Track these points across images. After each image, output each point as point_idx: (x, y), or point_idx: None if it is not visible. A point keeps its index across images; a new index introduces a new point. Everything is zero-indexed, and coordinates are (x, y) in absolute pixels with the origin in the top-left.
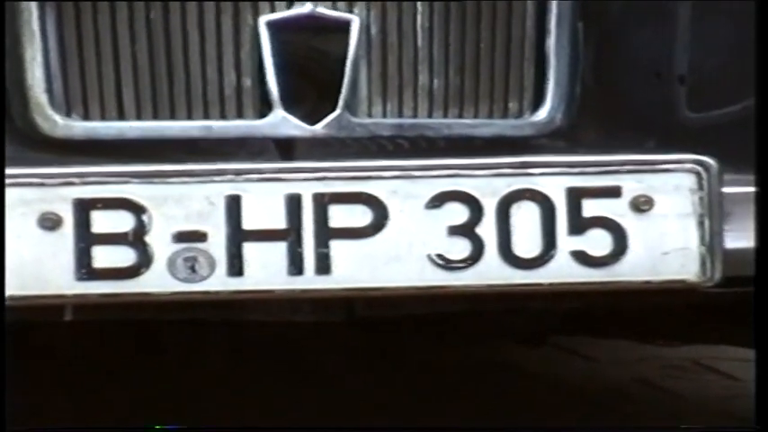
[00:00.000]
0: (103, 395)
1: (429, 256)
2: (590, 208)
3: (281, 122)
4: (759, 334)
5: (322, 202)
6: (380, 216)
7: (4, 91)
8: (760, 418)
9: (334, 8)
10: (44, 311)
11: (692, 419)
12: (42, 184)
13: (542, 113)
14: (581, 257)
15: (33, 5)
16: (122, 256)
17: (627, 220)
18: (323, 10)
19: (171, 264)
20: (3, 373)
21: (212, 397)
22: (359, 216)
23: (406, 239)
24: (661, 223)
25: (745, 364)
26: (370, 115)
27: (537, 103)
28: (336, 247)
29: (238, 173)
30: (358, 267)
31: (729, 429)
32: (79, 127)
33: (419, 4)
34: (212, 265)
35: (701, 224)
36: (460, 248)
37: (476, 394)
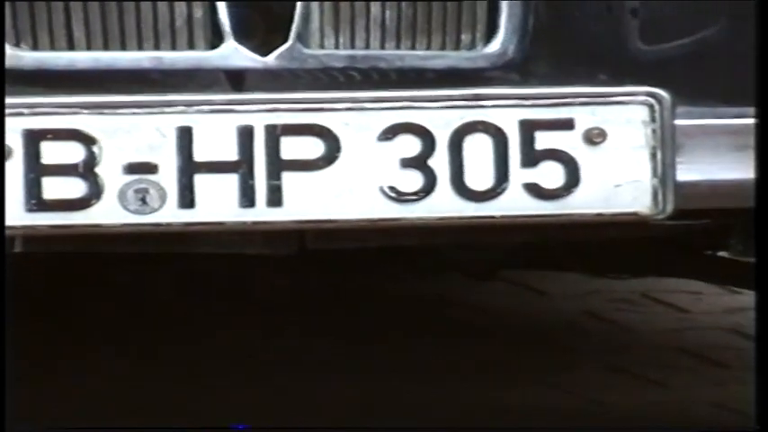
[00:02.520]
0: (51, 328)
1: (381, 189)
2: (543, 140)
3: (233, 53)
4: (759, 334)
5: (274, 133)
6: (332, 148)
7: (3, 89)
8: (760, 418)
9: None
10: None
11: (641, 352)
12: None
13: (495, 45)
14: (533, 190)
15: None
16: (73, 188)
17: (579, 152)
18: None
19: (122, 195)
20: (2, 373)
21: (162, 328)
22: (311, 148)
23: (358, 172)
24: (613, 156)
25: (695, 296)
26: (322, 47)
27: (490, 35)
28: (288, 180)
29: (189, 104)
30: (310, 200)
31: (729, 429)
32: (28, 57)
33: None
34: (163, 197)
35: (653, 157)
36: (413, 181)
37: (426, 328)
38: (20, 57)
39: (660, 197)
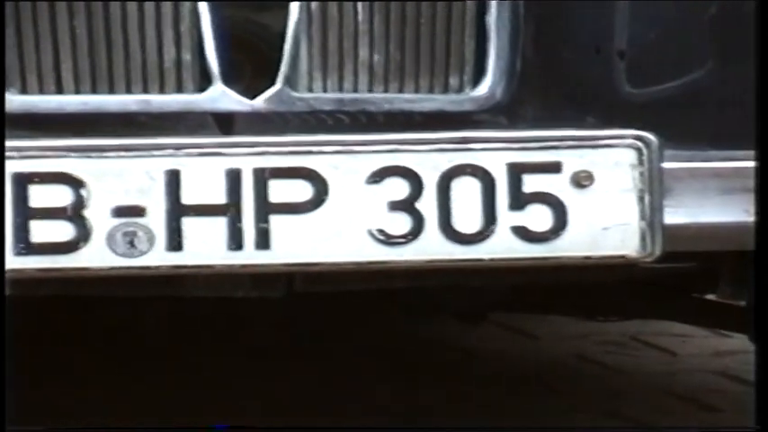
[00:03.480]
0: (41, 370)
1: (369, 232)
2: (531, 183)
3: (221, 97)
4: (759, 334)
5: (262, 176)
6: (321, 191)
7: (3, 88)
8: (760, 418)
9: None
10: None
11: (632, 396)
12: None
13: (483, 88)
14: (522, 233)
15: None
16: (61, 231)
17: (567, 195)
18: None
19: (110, 238)
20: (2, 374)
21: (153, 372)
22: (299, 191)
23: (346, 214)
24: (602, 199)
25: (685, 340)
26: (310, 90)
27: (477, 78)
28: (276, 222)
29: (178, 147)
30: (298, 243)
31: (729, 429)
32: (17, 101)
33: None
34: (152, 239)
35: (641, 199)
36: (401, 224)
37: (416, 371)
38: (9, 101)
39: (648, 240)
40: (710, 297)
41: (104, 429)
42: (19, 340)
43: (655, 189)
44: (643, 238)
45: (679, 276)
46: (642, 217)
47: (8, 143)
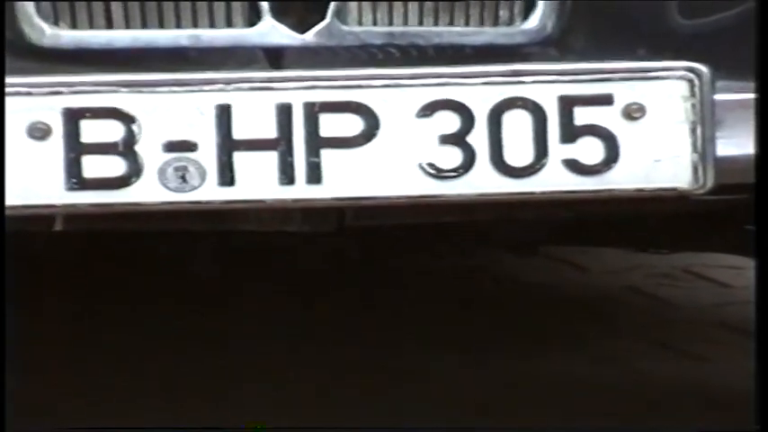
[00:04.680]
0: (93, 307)
1: (420, 165)
2: (582, 116)
3: (271, 31)
4: (759, 334)
5: (312, 110)
6: (371, 125)
7: (3, 89)
8: (760, 418)
9: None
10: (34, 221)
11: (683, 327)
12: (30, 94)
13: (533, 21)
14: (573, 166)
15: None
16: (112, 166)
17: (619, 127)
18: None
19: (161, 173)
20: (2, 374)
21: (203, 308)
22: (349, 125)
23: (397, 148)
24: (653, 131)
25: (737, 271)
26: (360, 23)
27: (528, 10)
28: (327, 157)
29: (228, 82)
30: (349, 177)
31: (729, 429)
32: (67, 36)
33: None
34: (203, 174)
35: (693, 132)
36: (452, 157)
37: (468, 305)
38: (59, 36)
39: (700, 172)
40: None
41: (104, 429)
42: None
43: (706, 121)
44: (695, 171)
45: (731, 208)
46: (694, 149)
47: (59, 78)
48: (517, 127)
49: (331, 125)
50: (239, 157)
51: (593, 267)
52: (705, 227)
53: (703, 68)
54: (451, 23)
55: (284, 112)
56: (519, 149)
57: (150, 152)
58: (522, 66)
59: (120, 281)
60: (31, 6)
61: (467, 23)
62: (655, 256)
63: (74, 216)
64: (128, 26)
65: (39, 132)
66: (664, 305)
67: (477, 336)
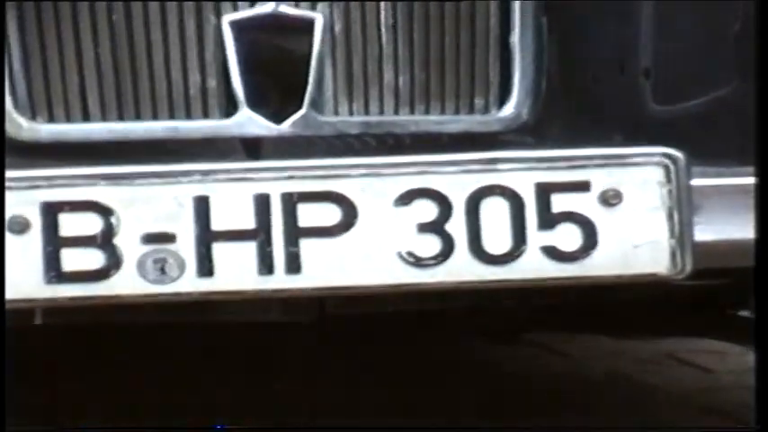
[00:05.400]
0: (74, 398)
1: (399, 254)
2: (559, 203)
3: (248, 122)
4: (759, 334)
5: (290, 201)
6: (350, 214)
7: (3, 90)
8: (760, 417)
9: (297, 7)
10: (14, 316)
11: (667, 413)
12: (9, 188)
13: (509, 109)
14: (552, 252)
15: None
16: (91, 259)
17: (596, 214)
18: (286, 9)
19: (141, 265)
20: (2, 374)
21: (184, 397)
22: (328, 214)
23: (375, 237)
24: (631, 217)
25: (719, 356)
26: (336, 113)
27: (503, 98)
28: (306, 246)
29: (206, 173)
30: (328, 266)
31: (730, 429)
32: (44, 130)
33: (382, 1)
34: (182, 266)
35: (670, 217)
36: (431, 245)
37: (447, 392)
38: (36, 130)
39: (679, 257)
40: (744, 313)
41: (104, 429)
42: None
43: (684, 206)
44: (673, 256)
45: (712, 293)
46: (672, 234)
47: (37, 172)
48: (495, 214)
49: (309, 215)
50: (218, 248)
51: (574, 353)
52: (686, 312)
53: (679, 154)
54: (427, 112)
55: (262, 202)
56: (497, 237)
57: (129, 244)
58: (499, 153)
59: (99, 374)
60: (8, 100)
61: (443, 112)
62: (637, 342)
63: (53, 309)
64: (104, 118)
65: (17, 226)
66: (647, 391)
67: (459, 424)
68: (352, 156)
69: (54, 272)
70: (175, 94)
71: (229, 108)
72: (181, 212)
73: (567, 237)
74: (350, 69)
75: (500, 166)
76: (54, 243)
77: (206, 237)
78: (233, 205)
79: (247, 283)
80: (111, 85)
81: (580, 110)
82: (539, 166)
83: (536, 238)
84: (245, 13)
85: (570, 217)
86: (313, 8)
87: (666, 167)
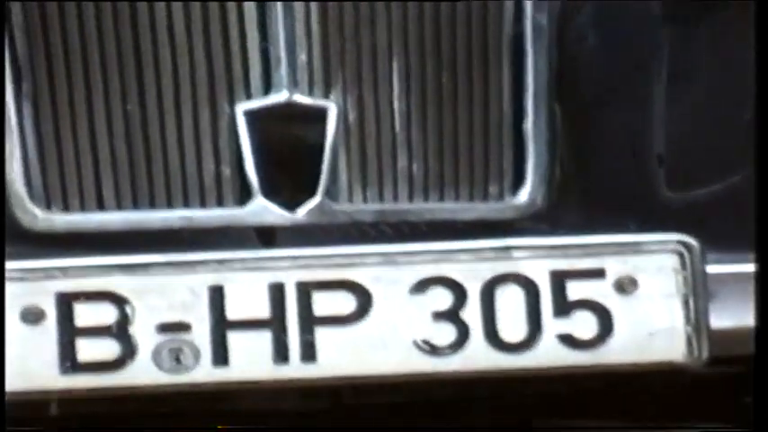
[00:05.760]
0: None
1: (415, 342)
2: (574, 290)
3: (262, 210)
4: (759, 335)
5: (305, 289)
6: (364, 302)
7: (4, 91)
8: (760, 417)
9: (311, 95)
10: (29, 407)
11: None
12: (24, 279)
13: (523, 196)
14: (567, 340)
15: (11, 102)
16: (107, 349)
17: (612, 301)
18: (299, 98)
19: (156, 355)
20: (2, 374)
21: None
22: (343, 303)
23: (391, 325)
24: (646, 304)
25: None
26: (350, 201)
27: (517, 185)
28: (321, 335)
29: (220, 262)
30: (344, 354)
31: (729, 429)
32: (59, 220)
33: (396, 89)
34: (197, 355)
35: (686, 304)
36: (446, 333)
37: None
38: (51, 220)
39: (695, 345)
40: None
41: (104, 429)
42: None
43: (699, 293)
44: (689, 343)
45: (728, 380)
46: (687, 321)
47: (52, 263)
48: (510, 302)
49: (324, 303)
50: (233, 337)
51: None
52: (703, 399)
53: (693, 241)
54: (442, 199)
55: (277, 291)
56: (513, 325)
57: (144, 334)
58: (514, 241)
59: None
60: (23, 191)
61: (457, 199)
62: (653, 430)
63: (69, 400)
64: (119, 207)
65: (32, 316)
66: None
67: None
68: (366, 243)
69: (69, 362)
70: (190, 182)
71: (244, 196)
72: (195, 302)
73: (583, 324)
74: (364, 157)
75: (515, 254)
76: (69, 333)
77: (221, 326)
78: (248, 294)
79: (263, 372)
80: (125, 175)
81: (594, 196)
82: (553, 254)
83: (552, 325)
84: (259, 102)
85: (586, 304)
86: (326, 97)
87: (681, 254)
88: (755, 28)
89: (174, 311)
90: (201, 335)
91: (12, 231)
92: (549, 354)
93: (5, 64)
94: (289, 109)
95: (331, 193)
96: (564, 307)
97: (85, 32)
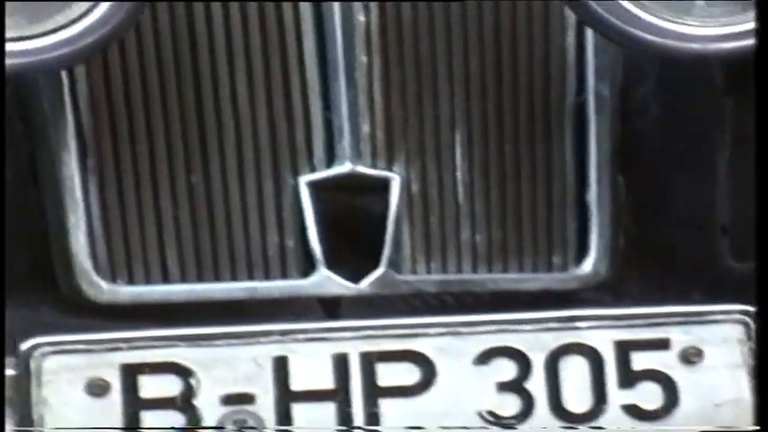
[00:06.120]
0: None
1: (479, 413)
2: (639, 361)
3: (326, 281)
4: (759, 335)
5: (369, 360)
6: (428, 373)
7: (3, 86)
8: (760, 417)
9: (374, 166)
10: None
11: None
12: (89, 351)
13: (587, 266)
14: (632, 411)
15: (76, 174)
16: (171, 421)
17: (677, 372)
18: (363, 169)
19: (220, 426)
20: (2, 375)
21: None
22: (407, 374)
23: (455, 396)
24: (711, 375)
25: None
26: (414, 272)
27: (581, 255)
28: (386, 406)
29: (284, 333)
30: (408, 426)
31: (729, 429)
32: (124, 292)
33: (458, 159)
34: (261, 426)
35: (751, 374)
36: (511, 404)
37: None
38: (116, 292)
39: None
40: None
41: (104, 429)
42: None
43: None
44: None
45: None
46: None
47: (117, 335)
48: (575, 373)
49: (388, 374)
50: (297, 408)
51: None
52: None
53: None
54: (505, 270)
55: (341, 362)
56: (578, 395)
57: (209, 405)
58: (578, 311)
59: None
60: (88, 263)
61: (521, 270)
62: None
63: None
64: (184, 280)
65: (97, 389)
66: None
67: None
68: (430, 314)
69: None
70: (254, 254)
71: (307, 268)
72: (260, 373)
73: (648, 395)
74: (427, 228)
75: (579, 324)
76: (134, 405)
77: (285, 397)
78: (312, 365)
79: None
80: (190, 246)
81: (658, 267)
82: (618, 324)
83: (616, 396)
84: (323, 173)
85: (651, 375)
86: (389, 168)
87: (746, 324)
88: (756, 27)
89: (239, 383)
90: (266, 406)
91: (77, 303)
92: (614, 425)
93: (69, 134)
94: (352, 180)
95: (394, 264)
96: (629, 377)
97: (150, 105)
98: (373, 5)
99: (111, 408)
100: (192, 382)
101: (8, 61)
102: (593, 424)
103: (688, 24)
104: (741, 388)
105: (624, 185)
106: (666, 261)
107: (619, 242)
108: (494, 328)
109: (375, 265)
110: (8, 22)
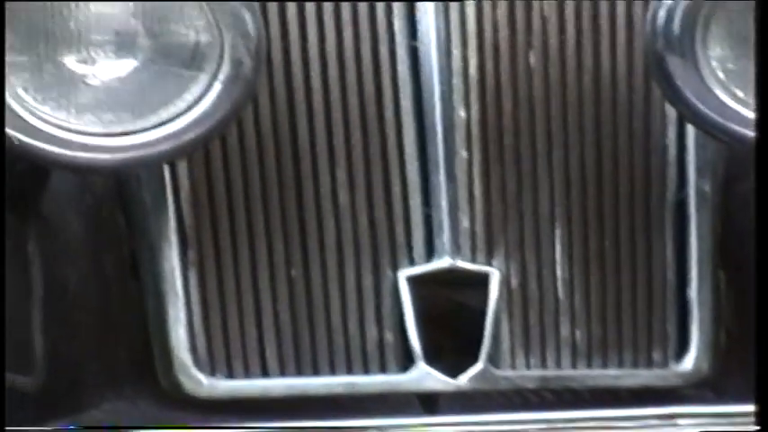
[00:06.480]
0: None
1: None
2: None
3: (425, 376)
4: (759, 335)
5: None
6: None
7: (3, 89)
8: (760, 418)
9: (473, 261)
10: None
11: None
12: None
13: (688, 363)
14: None
15: (176, 268)
16: None
17: None
18: (462, 264)
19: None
20: (2, 373)
21: None
22: None
23: None
24: None
25: None
26: (513, 367)
27: (681, 351)
28: None
29: (382, 429)
30: None
31: (729, 429)
32: (224, 386)
33: (558, 254)
34: None
35: None
36: None
37: None
38: (215, 386)
39: None
40: None
41: (104, 429)
42: None
43: None
44: None
45: None
46: None
47: (215, 429)
48: None
49: None
50: None
51: None
52: None
53: None
54: (605, 366)
55: None
56: None
57: None
58: (679, 408)
59: None
60: (188, 357)
61: (620, 366)
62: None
63: None
64: (283, 374)
65: None
66: None
67: None
68: (529, 411)
69: None
70: (353, 348)
71: (406, 362)
72: None
73: None
74: (526, 323)
75: (680, 422)
76: None
77: None
78: None
79: None
80: (289, 341)
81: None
82: (719, 422)
83: None
84: (422, 268)
85: None
86: (489, 263)
87: None
88: (756, 28)
89: None
90: None
91: (176, 397)
92: None
93: (170, 227)
94: (451, 275)
95: (493, 360)
96: None
97: (250, 200)
98: (474, 101)
99: None
100: None
101: (112, 156)
102: None
103: None
104: None
105: (725, 281)
106: None
107: (720, 338)
108: (594, 424)
109: (474, 361)
110: (111, 117)
